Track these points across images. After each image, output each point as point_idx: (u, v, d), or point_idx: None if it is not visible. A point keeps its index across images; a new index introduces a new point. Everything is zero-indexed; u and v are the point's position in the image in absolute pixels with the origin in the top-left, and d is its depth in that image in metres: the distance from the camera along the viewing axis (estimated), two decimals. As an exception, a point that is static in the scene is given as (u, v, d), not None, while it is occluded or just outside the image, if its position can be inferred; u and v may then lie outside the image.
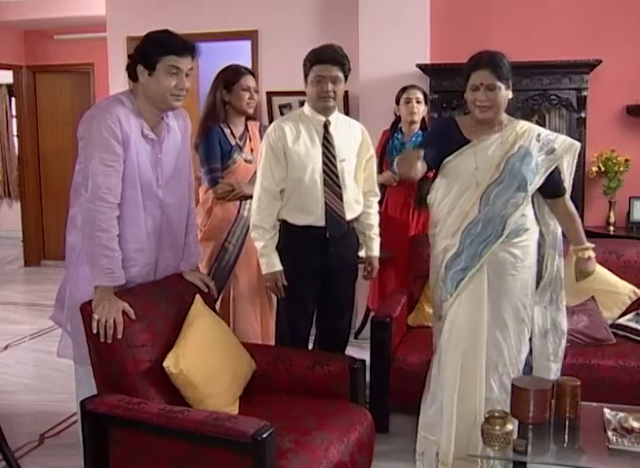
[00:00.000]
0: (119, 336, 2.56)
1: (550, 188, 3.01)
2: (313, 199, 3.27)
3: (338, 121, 3.37)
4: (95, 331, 2.55)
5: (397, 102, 4.49)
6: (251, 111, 3.90)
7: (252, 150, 3.87)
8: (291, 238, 3.33)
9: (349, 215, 3.38)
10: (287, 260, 3.32)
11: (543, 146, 2.94)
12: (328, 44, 3.31)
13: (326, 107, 3.29)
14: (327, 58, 3.21)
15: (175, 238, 2.96)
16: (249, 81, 3.83)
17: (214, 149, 3.78)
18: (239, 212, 3.82)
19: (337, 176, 3.30)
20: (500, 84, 2.88)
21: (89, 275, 2.69)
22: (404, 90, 4.46)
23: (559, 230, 3.11)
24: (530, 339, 3.09)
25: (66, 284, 2.88)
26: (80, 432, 2.58)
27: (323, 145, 3.30)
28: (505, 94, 2.92)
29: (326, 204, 3.28)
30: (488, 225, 2.94)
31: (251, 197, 3.75)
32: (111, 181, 2.63)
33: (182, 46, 2.71)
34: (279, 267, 3.30)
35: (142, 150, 2.74)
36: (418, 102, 4.40)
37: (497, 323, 2.97)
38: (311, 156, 3.27)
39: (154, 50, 2.68)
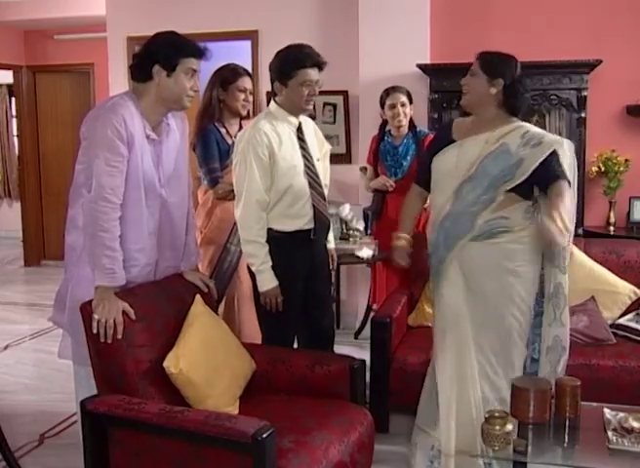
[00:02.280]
0: (119, 337, 2.56)
1: (547, 175, 2.84)
2: (303, 203, 3.24)
3: (303, 121, 3.34)
4: (95, 331, 2.55)
5: (382, 106, 4.47)
6: (244, 113, 3.89)
7: None
8: (277, 245, 3.25)
9: (328, 213, 3.41)
10: (274, 268, 3.25)
11: (528, 142, 2.87)
12: (303, 44, 3.25)
13: (307, 111, 3.29)
14: (314, 61, 3.18)
15: (175, 238, 2.96)
16: (246, 82, 3.82)
17: (211, 150, 3.79)
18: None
19: (317, 176, 3.31)
20: (480, 72, 2.91)
21: (90, 275, 2.69)
22: (387, 93, 4.43)
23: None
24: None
25: (67, 284, 2.87)
26: (80, 432, 2.58)
27: (301, 147, 3.27)
28: (485, 86, 2.91)
29: (313, 206, 3.26)
30: (458, 220, 2.93)
31: None
32: (115, 182, 2.63)
33: (199, 49, 2.78)
34: (277, 281, 3.24)
35: (146, 150, 2.75)
36: (402, 106, 4.38)
37: (476, 325, 2.95)
38: (295, 160, 3.23)
39: (175, 51, 2.72)
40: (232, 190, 3.72)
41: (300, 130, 3.29)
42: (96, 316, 2.54)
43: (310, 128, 3.41)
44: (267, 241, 3.24)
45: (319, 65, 3.19)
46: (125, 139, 2.64)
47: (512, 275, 2.90)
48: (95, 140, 2.64)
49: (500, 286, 2.92)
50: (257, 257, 3.22)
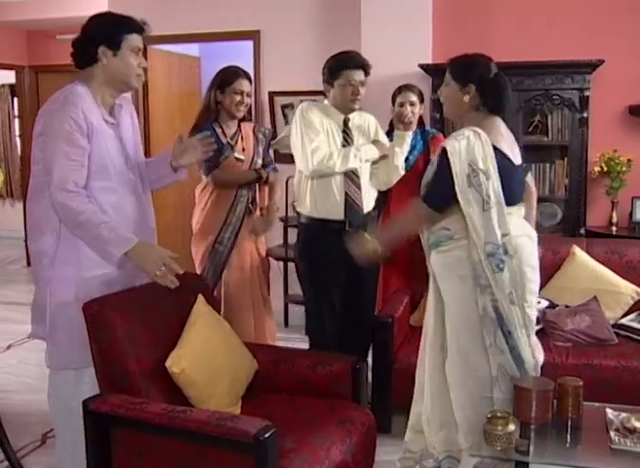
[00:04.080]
0: (180, 272, 2.62)
1: None
2: (335, 189, 3.47)
3: (355, 117, 3.63)
4: (164, 284, 2.59)
5: (393, 103, 4.47)
6: (240, 115, 3.91)
7: (243, 150, 3.91)
8: (311, 233, 3.53)
9: (366, 206, 3.56)
10: (309, 257, 3.53)
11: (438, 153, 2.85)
12: (349, 50, 3.60)
13: (353, 109, 3.58)
14: (357, 63, 3.48)
15: (147, 222, 2.92)
16: (243, 85, 3.84)
17: None
18: (229, 215, 3.86)
19: (355, 169, 3.50)
20: (451, 81, 2.89)
21: (70, 274, 2.65)
22: (399, 91, 4.42)
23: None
24: None
25: (42, 292, 2.75)
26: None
27: (343, 138, 3.55)
28: (458, 94, 2.87)
29: (346, 193, 3.48)
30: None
31: (252, 182, 3.88)
32: (78, 175, 2.58)
33: (140, 24, 2.74)
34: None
35: (108, 136, 2.70)
36: (412, 105, 4.35)
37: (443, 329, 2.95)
38: (333, 143, 3.50)
39: (117, 29, 2.68)
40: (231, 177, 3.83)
41: (346, 123, 3.58)
42: (152, 274, 2.57)
43: (361, 124, 3.63)
44: (303, 230, 3.59)
45: (363, 68, 3.50)
46: (85, 131, 2.59)
47: (462, 281, 2.81)
48: (53, 135, 2.57)
49: (454, 293, 2.84)
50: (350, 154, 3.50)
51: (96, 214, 2.56)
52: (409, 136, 3.64)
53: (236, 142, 3.91)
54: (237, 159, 3.88)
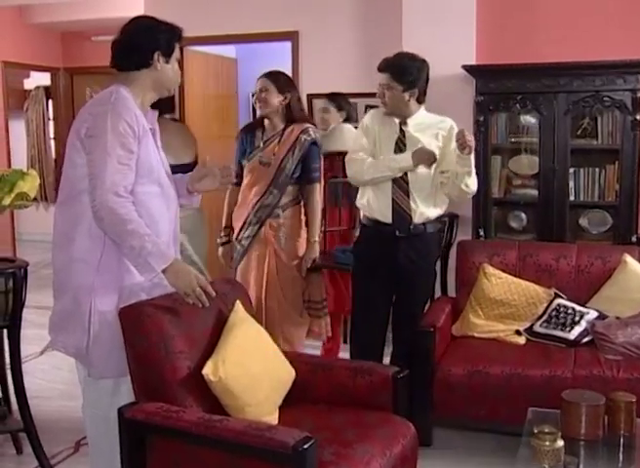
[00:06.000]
0: (214, 295, 2.59)
1: None
2: (383, 191, 3.50)
3: (417, 120, 3.53)
4: (191, 303, 2.56)
5: None
6: (260, 113, 4.03)
7: (274, 154, 3.91)
8: (366, 233, 3.64)
9: (419, 214, 3.51)
10: (360, 256, 3.68)
11: None
12: (400, 52, 3.63)
13: (389, 114, 3.54)
14: (380, 67, 3.48)
15: (175, 230, 2.86)
16: (257, 83, 3.94)
17: (236, 157, 4.07)
18: (250, 214, 3.93)
19: (405, 173, 3.47)
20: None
21: (113, 281, 2.60)
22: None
23: None
24: None
25: (80, 300, 2.65)
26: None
27: (396, 144, 3.51)
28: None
29: (393, 199, 3.48)
30: None
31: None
32: (127, 180, 2.53)
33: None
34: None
35: (151, 141, 2.68)
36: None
37: None
38: (386, 150, 3.51)
39: (172, 37, 2.72)
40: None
41: (401, 127, 3.52)
42: (183, 292, 2.54)
43: (426, 128, 3.54)
44: (361, 228, 3.71)
45: (384, 70, 3.47)
46: (136, 135, 2.56)
47: None
48: (106, 137, 2.51)
49: None
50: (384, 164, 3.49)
51: (142, 226, 2.51)
52: (471, 157, 3.37)
53: (267, 145, 3.94)
54: (261, 162, 3.92)
